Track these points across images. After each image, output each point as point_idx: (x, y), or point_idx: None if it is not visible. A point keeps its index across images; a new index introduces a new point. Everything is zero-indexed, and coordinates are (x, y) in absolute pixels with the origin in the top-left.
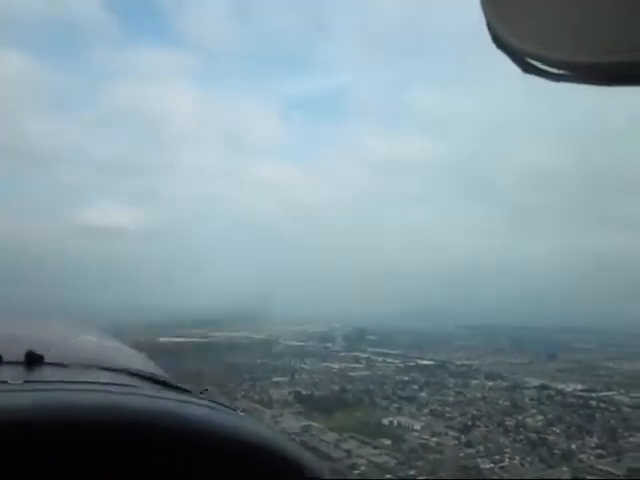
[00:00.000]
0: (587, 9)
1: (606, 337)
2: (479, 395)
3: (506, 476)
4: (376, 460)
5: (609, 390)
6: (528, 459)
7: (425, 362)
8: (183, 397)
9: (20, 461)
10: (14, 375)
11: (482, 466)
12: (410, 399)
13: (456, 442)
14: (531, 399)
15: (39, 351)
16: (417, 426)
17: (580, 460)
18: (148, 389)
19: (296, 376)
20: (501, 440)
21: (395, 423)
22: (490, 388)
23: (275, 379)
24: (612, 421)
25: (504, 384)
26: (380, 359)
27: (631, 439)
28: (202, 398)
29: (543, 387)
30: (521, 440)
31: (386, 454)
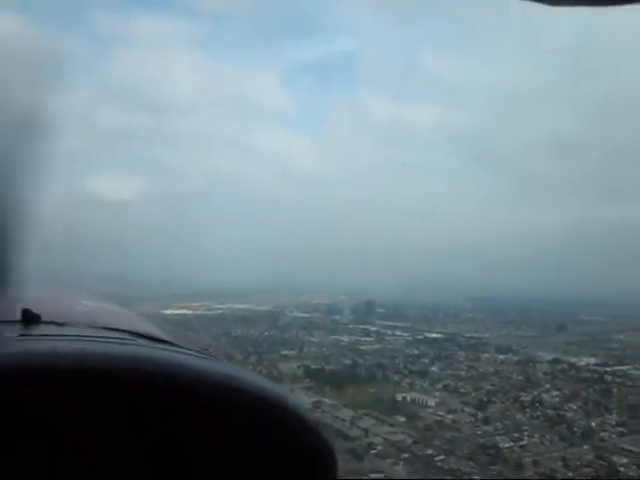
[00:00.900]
0: None
1: (615, 309)
2: (491, 369)
3: (526, 455)
4: (392, 438)
5: (622, 364)
6: (547, 437)
7: (434, 335)
8: (178, 349)
9: (10, 407)
10: (10, 330)
11: (501, 445)
12: (422, 374)
13: (472, 419)
14: (545, 373)
15: (37, 311)
16: (432, 402)
17: (602, 439)
18: (145, 343)
19: (304, 349)
20: (518, 417)
21: (409, 399)
22: (502, 362)
23: (283, 352)
24: (630, 397)
25: (515, 358)
26: (389, 332)
27: None
28: (199, 352)
29: (556, 361)
30: (538, 417)
31: (402, 432)
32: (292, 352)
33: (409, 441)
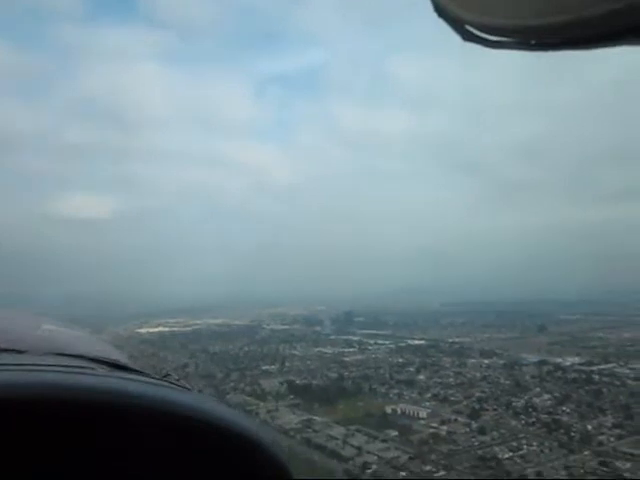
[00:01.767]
0: None
1: (590, 308)
2: (478, 375)
3: (528, 466)
4: (386, 456)
5: (607, 362)
6: (546, 444)
7: (416, 342)
8: (134, 377)
9: None
10: None
11: (500, 455)
12: (409, 383)
13: (467, 429)
14: (532, 377)
15: None
16: (423, 413)
17: (600, 443)
18: (101, 371)
19: (287, 363)
20: (513, 424)
21: (399, 411)
22: (488, 366)
23: (264, 367)
24: (621, 397)
25: (501, 361)
26: (371, 341)
27: None
28: (157, 379)
29: (541, 363)
30: (534, 423)
31: (396, 447)
32: (273, 367)
33: (404, 457)
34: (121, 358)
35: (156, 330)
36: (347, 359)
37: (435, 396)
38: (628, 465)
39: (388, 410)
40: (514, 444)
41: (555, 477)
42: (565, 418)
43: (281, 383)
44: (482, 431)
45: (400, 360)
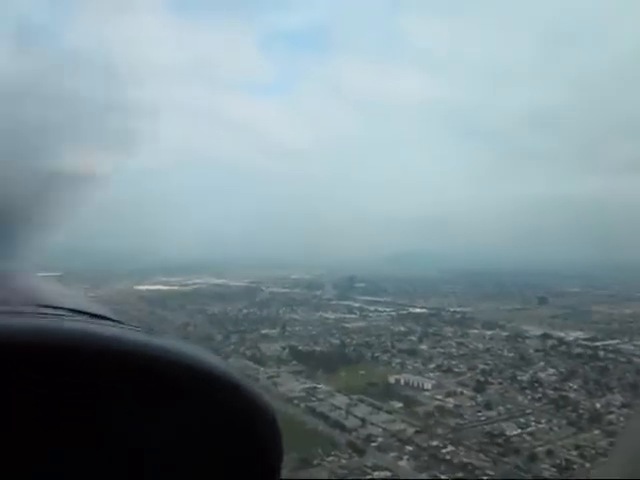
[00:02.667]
0: None
1: (590, 281)
2: (481, 346)
3: (537, 444)
4: (392, 428)
5: (612, 338)
6: (555, 422)
7: (418, 310)
8: (111, 324)
9: None
10: None
11: (508, 432)
12: (411, 352)
13: (473, 403)
14: (536, 350)
15: None
16: (427, 385)
17: (610, 422)
18: (79, 318)
19: (288, 328)
20: (519, 399)
21: (402, 382)
22: (491, 338)
23: (264, 331)
24: (628, 375)
25: (503, 333)
26: (372, 308)
27: None
28: (132, 326)
29: (545, 336)
30: (540, 399)
31: (401, 420)
32: (274, 331)
33: (410, 431)
34: (103, 311)
35: (155, 288)
36: (348, 325)
37: (439, 367)
38: None
39: (391, 380)
40: (522, 420)
41: (567, 457)
42: (572, 395)
43: (283, 348)
44: (488, 405)
45: (402, 329)
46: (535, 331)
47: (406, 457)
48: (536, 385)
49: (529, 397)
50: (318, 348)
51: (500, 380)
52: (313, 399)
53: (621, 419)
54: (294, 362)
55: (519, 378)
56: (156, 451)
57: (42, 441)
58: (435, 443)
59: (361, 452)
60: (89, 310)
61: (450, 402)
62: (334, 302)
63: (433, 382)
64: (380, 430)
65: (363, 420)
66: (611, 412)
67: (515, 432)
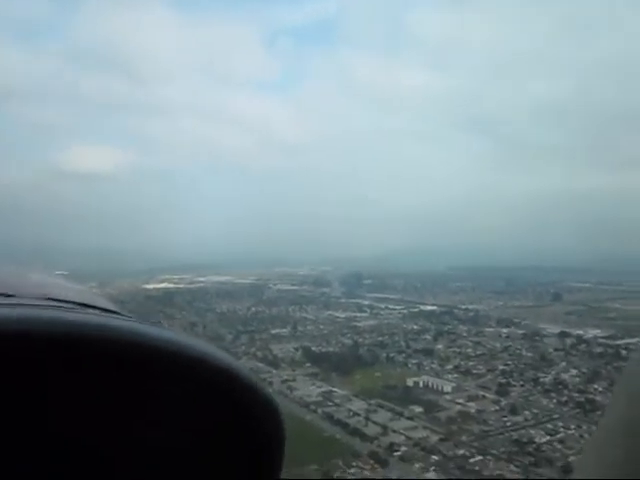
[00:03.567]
0: None
1: (600, 276)
2: (499, 345)
3: (569, 453)
4: (415, 435)
5: (632, 336)
6: (584, 428)
7: (428, 307)
8: (119, 316)
9: None
10: None
11: (537, 440)
12: (427, 352)
13: (497, 407)
14: (556, 349)
15: None
16: (447, 387)
17: None
18: (89, 310)
19: (299, 327)
20: (544, 402)
21: (421, 384)
22: (507, 336)
23: (274, 331)
24: None
25: (519, 331)
26: (382, 305)
27: None
28: (139, 319)
29: (563, 334)
30: (566, 402)
31: (424, 427)
32: (284, 331)
33: (434, 438)
34: (110, 306)
35: (161, 286)
36: (359, 324)
37: (456, 368)
38: None
39: (409, 383)
40: (550, 426)
41: None
42: (599, 398)
43: (296, 349)
44: (514, 410)
45: (414, 327)
46: (552, 329)
47: (432, 468)
48: (560, 387)
49: (554, 400)
50: (331, 349)
51: (522, 382)
52: (330, 404)
53: None
54: (308, 364)
55: (541, 380)
56: (159, 442)
57: (50, 429)
58: (461, 452)
59: (384, 463)
60: (98, 304)
61: (472, 406)
62: (343, 300)
63: (453, 385)
64: (403, 438)
65: (384, 427)
66: None
67: (544, 439)
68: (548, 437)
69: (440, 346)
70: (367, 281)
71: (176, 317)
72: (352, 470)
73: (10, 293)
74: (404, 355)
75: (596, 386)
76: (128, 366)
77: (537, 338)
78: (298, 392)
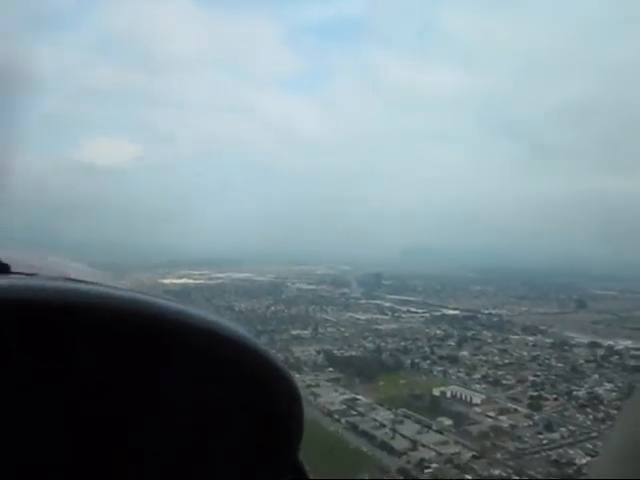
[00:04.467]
0: None
1: (626, 284)
2: (526, 354)
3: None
4: (446, 451)
5: None
6: None
7: (451, 311)
8: (129, 291)
9: None
10: None
11: (578, 461)
12: (452, 360)
13: (530, 422)
14: (587, 361)
15: (7, 262)
16: (477, 399)
17: None
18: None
19: (320, 329)
20: (580, 418)
21: (449, 394)
22: (534, 345)
23: (295, 332)
24: None
25: (547, 340)
26: (404, 308)
27: None
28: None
29: (593, 345)
30: (604, 420)
31: (455, 442)
32: (305, 332)
33: (467, 455)
34: (129, 288)
35: (180, 281)
36: (381, 327)
37: (484, 377)
38: None
39: (436, 392)
40: (589, 446)
41: None
42: None
43: (317, 352)
44: (549, 427)
45: (438, 332)
46: (580, 338)
47: None
48: (595, 402)
49: (590, 417)
50: (353, 352)
51: (555, 395)
52: (354, 413)
53: None
54: (330, 369)
55: (575, 393)
56: (172, 419)
57: (67, 397)
58: (497, 472)
59: None
60: (112, 284)
61: (504, 421)
62: (363, 301)
63: (483, 396)
64: (433, 454)
65: (412, 441)
66: None
67: (584, 460)
68: (588, 458)
69: (465, 353)
70: (387, 282)
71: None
72: None
73: (32, 273)
74: (429, 362)
75: None
76: (137, 338)
77: (566, 348)
78: (321, 399)
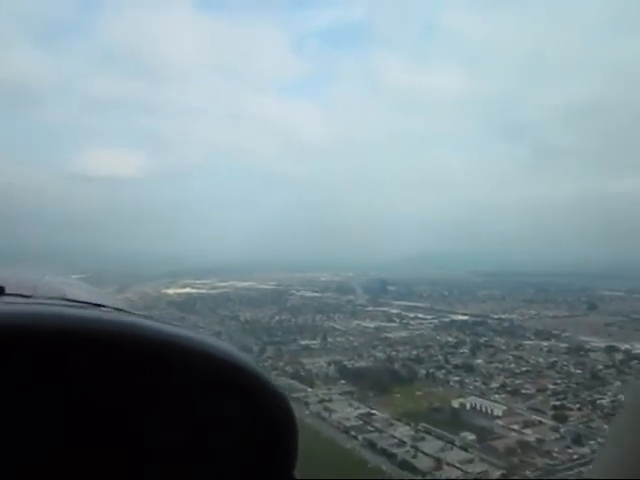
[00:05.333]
0: None
1: (631, 285)
2: (542, 361)
3: None
4: (473, 470)
5: None
6: None
7: (460, 317)
8: (134, 315)
9: None
10: None
11: None
12: (467, 369)
13: (557, 436)
14: (606, 366)
15: (2, 284)
16: (498, 411)
17: None
18: (104, 309)
19: (329, 339)
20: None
21: (469, 406)
22: (549, 350)
23: (303, 342)
24: None
25: (562, 345)
26: (411, 315)
27: None
28: (141, 315)
29: (610, 349)
30: None
31: (481, 459)
32: (314, 343)
33: (496, 474)
34: (126, 307)
35: (184, 291)
36: (390, 335)
37: (503, 387)
38: None
39: (455, 404)
40: None
41: None
42: None
43: (328, 364)
44: (578, 440)
45: (449, 339)
46: (595, 342)
47: None
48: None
49: None
50: (364, 363)
51: (579, 405)
52: (371, 429)
53: None
54: (342, 381)
55: (599, 402)
56: (169, 437)
57: (65, 423)
58: None
59: None
60: (110, 304)
61: (530, 434)
62: (370, 308)
63: (504, 408)
64: (459, 473)
65: (436, 459)
66: None
67: None
68: None
69: (480, 361)
70: (392, 287)
71: (199, 326)
72: None
73: (27, 294)
74: (444, 371)
75: None
76: (133, 360)
77: (582, 353)
78: (336, 415)
